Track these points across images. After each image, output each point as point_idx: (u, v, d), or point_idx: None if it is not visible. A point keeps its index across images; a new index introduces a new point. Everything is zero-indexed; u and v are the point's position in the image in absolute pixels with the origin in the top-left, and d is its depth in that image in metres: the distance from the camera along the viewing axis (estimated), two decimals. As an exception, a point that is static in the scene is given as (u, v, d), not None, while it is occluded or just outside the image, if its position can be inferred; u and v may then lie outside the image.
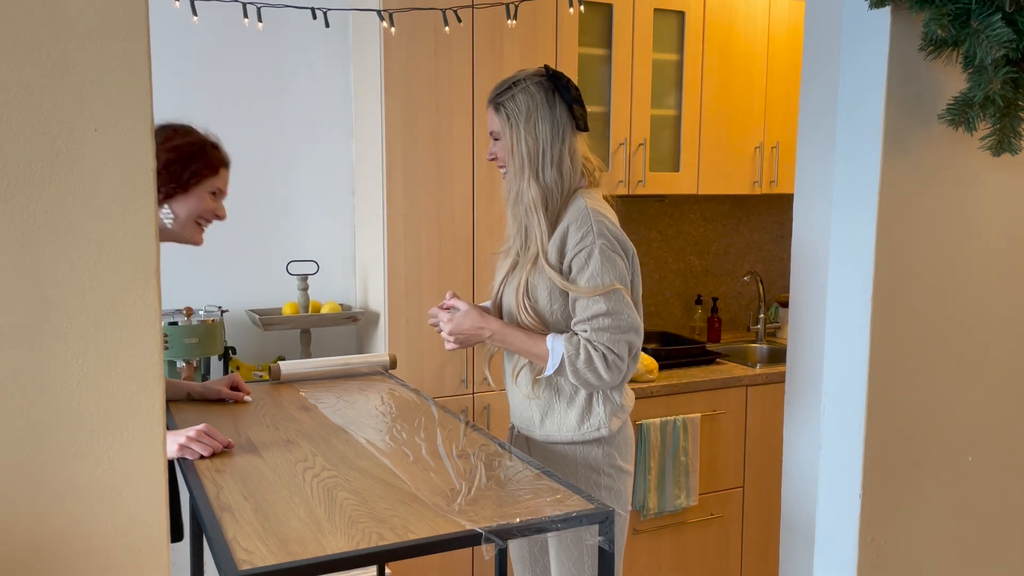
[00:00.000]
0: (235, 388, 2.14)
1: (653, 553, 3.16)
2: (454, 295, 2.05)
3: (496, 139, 1.98)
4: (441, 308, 2.03)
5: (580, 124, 1.97)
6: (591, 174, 2.00)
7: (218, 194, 2.02)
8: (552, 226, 1.91)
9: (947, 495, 0.97)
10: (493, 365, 2.28)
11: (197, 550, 2.30)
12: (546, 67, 1.97)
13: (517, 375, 2.01)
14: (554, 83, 1.92)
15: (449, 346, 2.00)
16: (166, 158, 1.91)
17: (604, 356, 1.85)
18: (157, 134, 1.91)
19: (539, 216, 1.91)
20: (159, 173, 1.83)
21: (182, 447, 1.66)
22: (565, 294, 1.90)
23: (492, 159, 2.01)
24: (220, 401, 2.12)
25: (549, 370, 1.89)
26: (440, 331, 2.01)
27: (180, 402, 2.11)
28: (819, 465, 0.99)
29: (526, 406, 2.03)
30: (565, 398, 1.97)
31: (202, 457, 1.67)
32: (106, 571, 0.94)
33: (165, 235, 1.94)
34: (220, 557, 1.26)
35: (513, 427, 2.14)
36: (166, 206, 1.92)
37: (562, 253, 1.90)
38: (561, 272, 1.90)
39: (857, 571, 0.94)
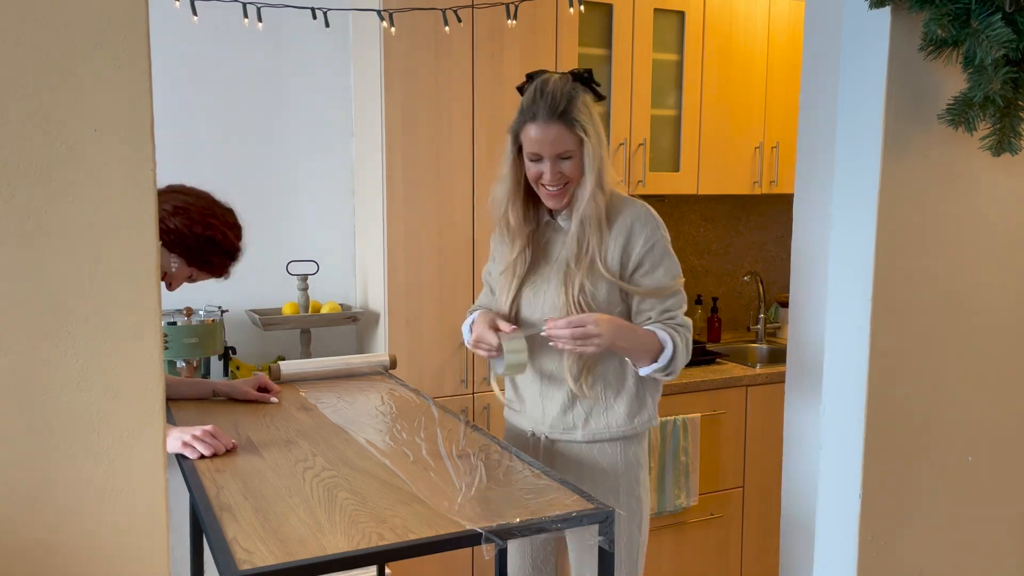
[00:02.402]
0: (263, 389, 2.14)
1: (653, 553, 3.16)
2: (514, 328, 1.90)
3: (566, 158, 1.83)
4: (495, 331, 1.88)
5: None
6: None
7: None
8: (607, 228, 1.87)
9: (947, 495, 0.97)
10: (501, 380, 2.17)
11: (197, 550, 2.30)
12: (572, 72, 1.88)
13: (571, 375, 1.89)
14: (585, 81, 1.86)
15: (586, 348, 1.80)
16: (186, 236, 1.90)
17: (688, 344, 1.87)
18: (173, 198, 1.93)
19: (602, 225, 1.86)
20: (173, 234, 1.85)
21: (185, 444, 1.67)
22: (624, 293, 1.88)
23: (556, 181, 1.86)
24: (230, 400, 2.12)
25: (662, 362, 1.84)
26: (556, 339, 1.82)
27: (183, 401, 2.10)
28: (819, 465, 0.99)
29: (566, 409, 1.94)
30: (613, 391, 1.93)
31: (202, 457, 1.67)
32: (106, 571, 0.94)
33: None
34: (220, 557, 1.26)
35: (537, 435, 2.01)
36: (174, 255, 1.92)
37: (627, 252, 1.87)
38: (623, 271, 1.87)
39: (857, 571, 0.94)
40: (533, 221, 1.97)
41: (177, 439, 1.67)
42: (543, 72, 1.89)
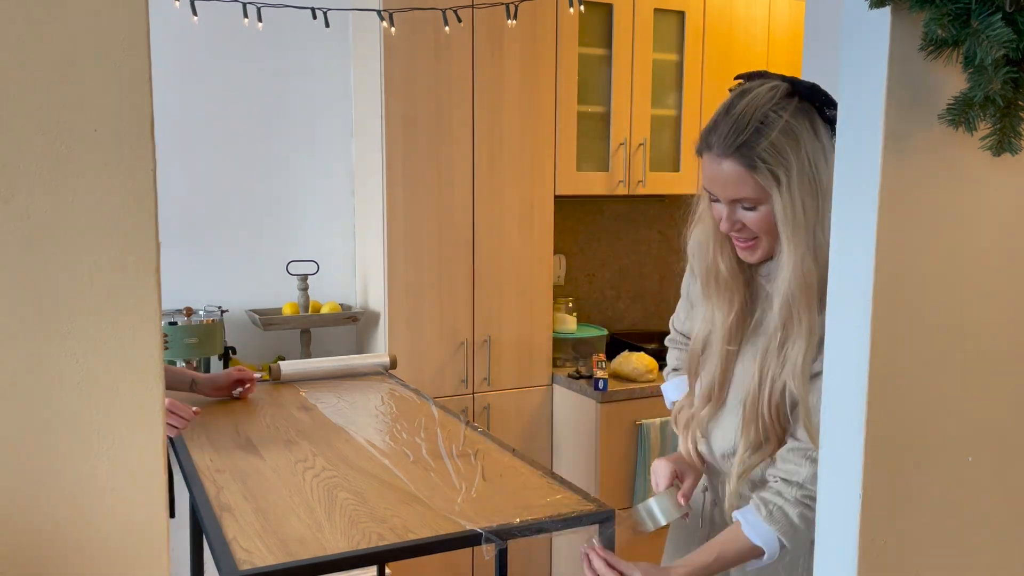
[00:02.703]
0: (240, 381, 2.13)
1: (653, 553, 3.16)
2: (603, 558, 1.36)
3: (749, 208, 1.31)
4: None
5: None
6: None
7: None
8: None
9: (947, 495, 0.97)
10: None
11: (197, 550, 2.30)
12: (784, 78, 1.35)
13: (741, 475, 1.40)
14: (811, 99, 1.30)
15: None
16: None
17: (809, 506, 1.30)
18: None
19: (812, 305, 1.28)
20: None
21: None
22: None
23: (740, 234, 1.35)
24: (229, 400, 2.12)
25: (766, 560, 1.35)
26: None
27: (182, 396, 2.10)
28: (820, 465, 0.99)
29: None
30: None
31: (172, 438, 1.68)
32: (106, 570, 0.94)
33: None
34: (220, 557, 1.26)
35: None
36: None
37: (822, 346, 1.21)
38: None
39: (857, 571, 0.94)
40: (747, 269, 1.42)
41: None
42: (758, 76, 1.37)
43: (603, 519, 1.43)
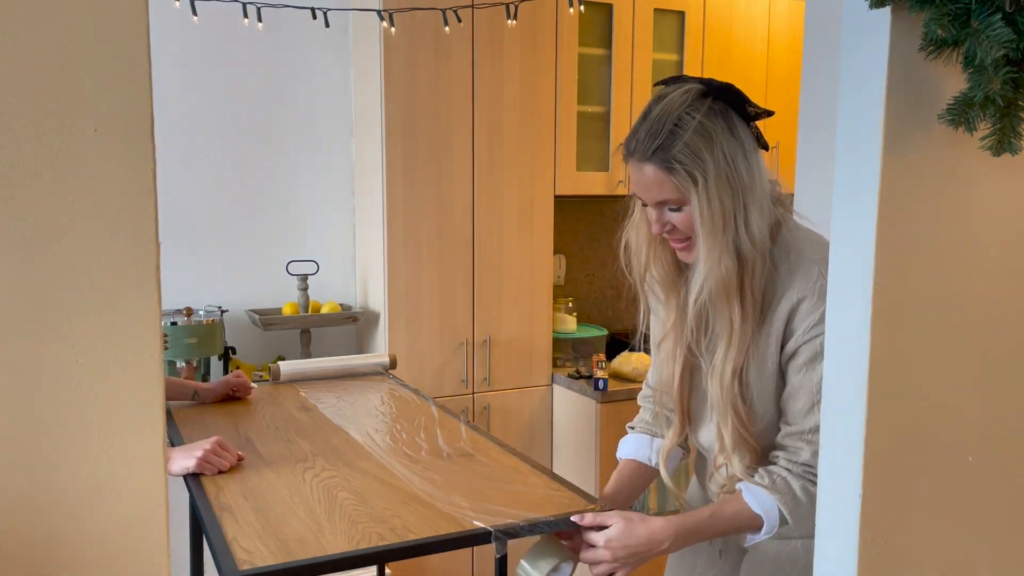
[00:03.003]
0: (235, 389, 2.13)
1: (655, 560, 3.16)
2: (597, 517, 1.36)
3: (675, 209, 1.32)
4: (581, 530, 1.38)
5: (762, 142, 1.35)
6: (777, 198, 1.39)
7: None
8: (757, 300, 1.33)
9: (947, 495, 0.97)
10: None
11: (197, 550, 2.30)
12: (701, 80, 1.34)
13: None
14: (725, 99, 1.31)
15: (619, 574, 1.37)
16: None
17: (812, 496, 1.32)
18: None
19: (732, 303, 1.31)
20: None
21: (201, 462, 1.58)
22: (777, 383, 1.36)
23: (672, 236, 1.36)
24: (228, 401, 2.11)
25: (764, 534, 1.34)
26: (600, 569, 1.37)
27: (184, 404, 2.10)
28: (820, 465, 0.99)
29: None
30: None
31: (219, 472, 1.60)
32: (106, 570, 0.94)
33: None
34: (220, 557, 1.26)
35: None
36: None
37: (788, 332, 1.33)
38: (781, 356, 1.34)
39: (857, 571, 0.94)
40: (685, 269, 1.44)
41: (191, 457, 1.59)
42: (675, 80, 1.37)
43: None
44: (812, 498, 1.30)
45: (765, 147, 1.35)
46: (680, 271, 1.43)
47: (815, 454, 1.29)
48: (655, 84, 1.41)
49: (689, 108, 1.29)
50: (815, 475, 1.29)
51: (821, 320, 1.29)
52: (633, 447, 1.61)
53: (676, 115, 1.29)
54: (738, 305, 1.31)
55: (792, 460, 1.33)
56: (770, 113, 1.34)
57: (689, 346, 1.42)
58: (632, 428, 1.66)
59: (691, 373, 1.46)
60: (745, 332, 1.33)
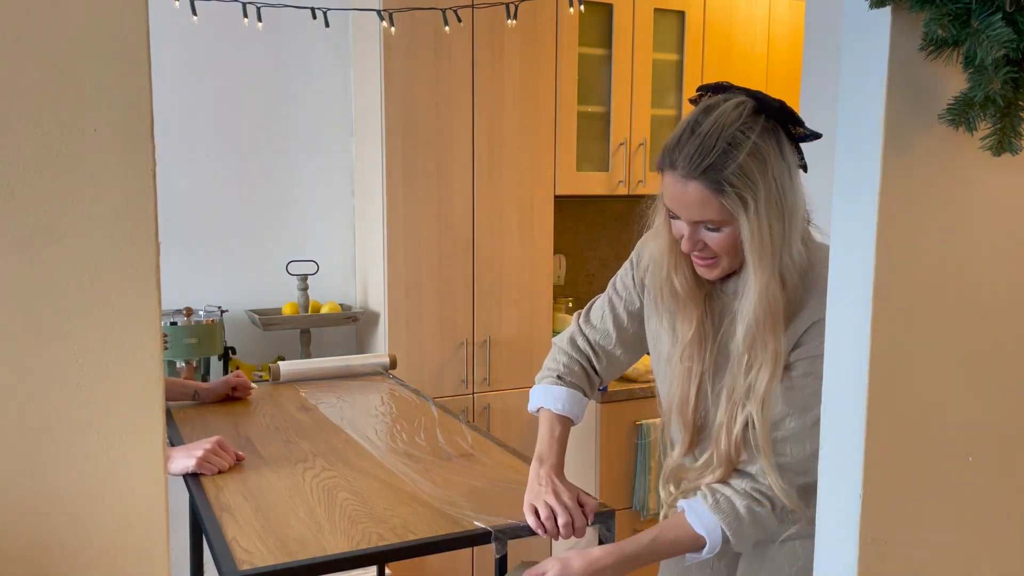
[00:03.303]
0: (235, 389, 2.13)
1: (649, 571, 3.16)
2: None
3: (713, 229, 1.27)
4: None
5: (803, 163, 1.30)
6: (807, 217, 1.35)
7: None
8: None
9: (947, 495, 0.97)
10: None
11: (197, 550, 2.30)
12: (750, 93, 1.27)
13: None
14: (777, 117, 1.25)
15: None
16: None
17: (772, 503, 1.30)
18: None
19: (778, 330, 1.26)
20: None
21: (201, 462, 1.59)
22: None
23: (701, 253, 1.31)
24: (227, 401, 2.11)
25: (706, 554, 1.32)
26: None
27: (185, 405, 2.10)
28: (819, 465, 0.99)
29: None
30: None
31: (219, 472, 1.60)
32: (106, 571, 0.94)
33: None
34: (220, 557, 1.26)
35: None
36: None
37: (796, 347, 1.30)
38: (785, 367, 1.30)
39: (857, 571, 0.94)
40: (706, 284, 1.39)
41: (191, 457, 1.59)
42: (721, 89, 1.30)
43: (603, 519, 1.43)
44: (756, 518, 1.29)
45: (805, 168, 1.29)
46: (700, 283, 1.38)
47: (775, 467, 1.28)
48: (697, 89, 1.33)
49: (743, 126, 1.22)
50: (763, 493, 1.29)
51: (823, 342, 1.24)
52: (569, 404, 1.53)
53: (730, 133, 1.21)
54: (783, 332, 1.26)
55: (741, 472, 1.32)
56: (818, 135, 1.27)
57: (704, 363, 1.38)
58: (561, 379, 1.55)
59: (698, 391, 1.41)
60: (782, 358, 1.28)
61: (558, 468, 1.46)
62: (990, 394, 0.98)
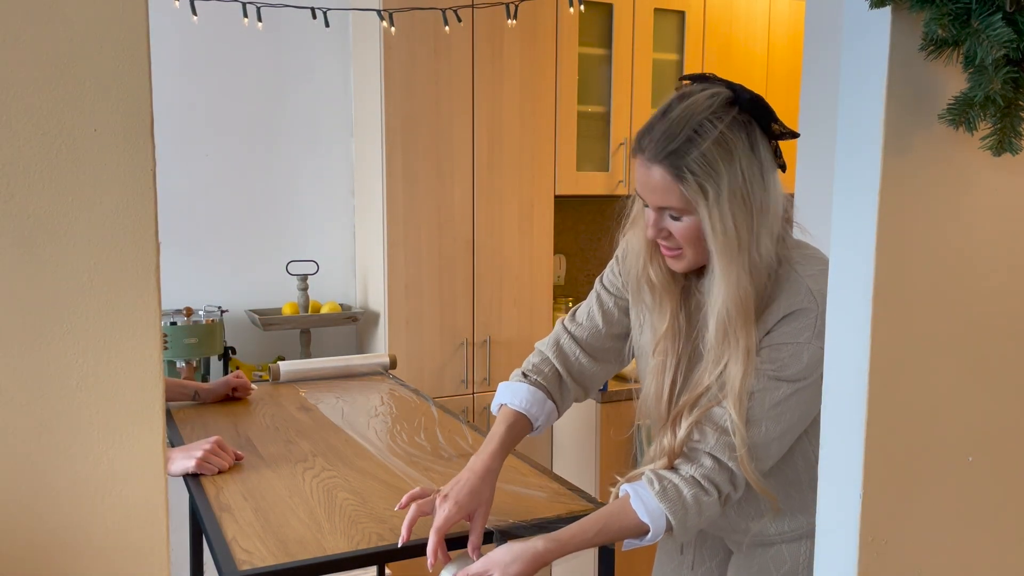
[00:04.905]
0: (235, 389, 2.13)
1: (648, 549, 3.16)
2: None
3: (676, 217, 1.26)
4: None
5: (781, 161, 1.28)
6: (787, 216, 1.34)
7: None
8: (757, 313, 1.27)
9: (947, 495, 0.97)
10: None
11: (197, 550, 2.30)
12: (730, 85, 1.26)
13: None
14: (751, 111, 1.23)
15: None
16: None
17: (732, 477, 1.26)
18: None
19: (749, 326, 1.25)
20: None
21: (200, 462, 1.58)
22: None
23: (665, 242, 1.30)
24: (227, 401, 2.11)
25: (648, 540, 1.30)
26: None
27: (185, 405, 2.10)
28: (819, 465, 0.99)
29: (744, 506, 1.39)
30: (807, 479, 1.36)
31: (219, 472, 1.60)
32: (106, 571, 0.94)
33: None
34: (220, 557, 1.26)
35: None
36: None
37: (764, 332, 1.27)
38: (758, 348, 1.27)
39: (857, 571, 0.94)
40: (681, 278, 1.38)
41: (190, 458, 1.59)
42: (703, 80, 1.30)
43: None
44: (701, 507, 1.24)
45: (783, 167, 1.27)
46: (675, 277, 1.36)
47: (726, 445, 1.23)
48: (680, 78, 1.31)
49: (713, 115, 1.21)
50: (711, 480, 1.24)
51: (798, 334, 1.24)
52: (529, 403, 1.44)
53: (698, 120, 1.20)
54: (753, 327, 1.24)
55: (689, 458, 1.27)
56: (796, 135, 1.26)
57: (679, 357, 1.35)
58: (526, 376, 1.49)
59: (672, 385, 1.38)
60: (753, 354, 1.25)
61: (485, 468, 1.35)
62: (990, 394, 0.98)
